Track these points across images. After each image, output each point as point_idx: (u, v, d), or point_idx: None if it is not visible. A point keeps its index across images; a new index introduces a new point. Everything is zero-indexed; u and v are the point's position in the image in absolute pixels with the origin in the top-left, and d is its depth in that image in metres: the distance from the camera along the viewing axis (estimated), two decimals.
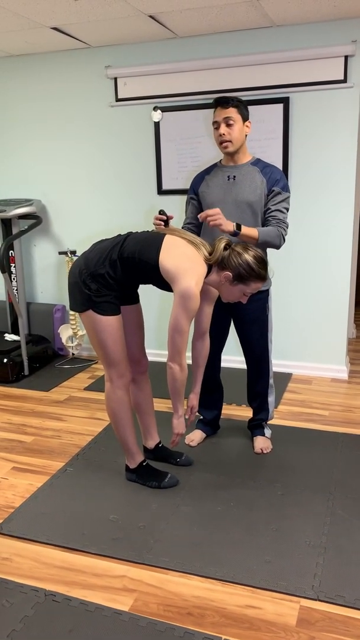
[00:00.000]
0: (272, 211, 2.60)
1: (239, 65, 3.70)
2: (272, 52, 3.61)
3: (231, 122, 2.54)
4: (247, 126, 2.61)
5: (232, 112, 2.54)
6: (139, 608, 1.87)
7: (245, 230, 2.48)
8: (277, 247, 2.59)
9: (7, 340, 4.29)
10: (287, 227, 2.61)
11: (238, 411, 3.39)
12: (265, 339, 2.82)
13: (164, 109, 3.91)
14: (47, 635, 1.75)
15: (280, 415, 3.36)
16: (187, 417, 2.53)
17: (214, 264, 2.30)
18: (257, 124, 3.75)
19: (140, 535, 2.23)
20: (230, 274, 2.27)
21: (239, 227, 2.46)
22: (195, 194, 2.77)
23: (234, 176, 2.63)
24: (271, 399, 2.94)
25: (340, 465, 2.74)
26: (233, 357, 3.96)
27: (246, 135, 2.62)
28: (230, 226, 2.44)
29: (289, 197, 2.64)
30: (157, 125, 3.97)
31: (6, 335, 4.39)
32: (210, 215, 2.42)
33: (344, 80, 3.53)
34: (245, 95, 3.73)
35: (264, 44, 3.65)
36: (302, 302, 3.96)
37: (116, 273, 2.31)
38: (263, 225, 2.64)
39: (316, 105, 3.64)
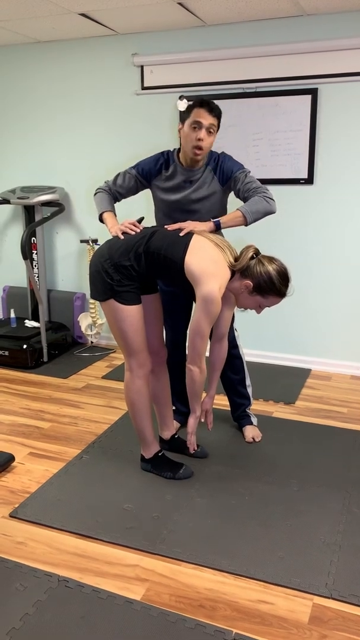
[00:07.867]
0: (244, 188, 2.51)
1: (268, 55, 3.64)
2: (302, 41, 3.55)
3: (212, 130, 2.47)
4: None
5: (216, 121, 2.46)
6: (150, 598, 1.87)
7: (226, 219, 2.46)
8: (271, 209, 2.49)
9: (27, 327, 4.32)
10: (267, 190, 2.49)
11: (254, 405, 3.36)
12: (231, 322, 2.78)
13: (190, 98, 3.81)
14: (59, 621, 1.76)
15: (298, 411, 3.33)
16: (202, 420, 2.55)
17: (238, 271, 2.30)
18: (283, 115, 3.70)
19: (153, 525, 2.23)
20: (250, 283, 2.27)
21: (217, 223, 2.44)
22: (144, 178, 2.65)
23: (191, 180, 2.57)
24: (248, 382, 2.94)
25: (357, 464, 2.71)
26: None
27: None
28: (205, 226, 2.41)
29: (249, 171, 2.57)
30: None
31: (26, 321, 4.42)
32: (183, 227, 2.37)
33: None
34: (272, 86, 3.69)
35: (293, 33, 3.58)
36: (323, 297, 3.91)
37: (140, 266, 2.31)
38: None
39: (346, 97, 3.57)
